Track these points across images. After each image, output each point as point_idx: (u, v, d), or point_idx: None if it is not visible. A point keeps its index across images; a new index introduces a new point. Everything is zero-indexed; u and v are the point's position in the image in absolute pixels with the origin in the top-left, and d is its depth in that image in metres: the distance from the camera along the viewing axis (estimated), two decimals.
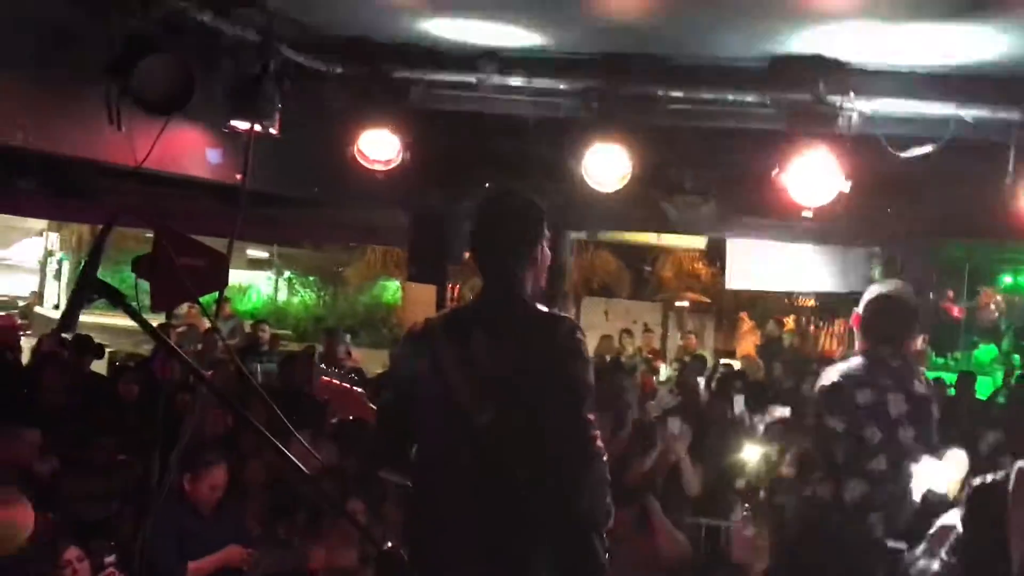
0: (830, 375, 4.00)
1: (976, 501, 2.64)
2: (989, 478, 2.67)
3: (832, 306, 17.77)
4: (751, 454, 7.71)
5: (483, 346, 3.01)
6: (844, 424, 3.88)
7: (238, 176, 5.66)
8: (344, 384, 3.67)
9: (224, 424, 6.63)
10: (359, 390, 3.65)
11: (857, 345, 4.09)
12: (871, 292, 4.09)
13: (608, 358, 12.38)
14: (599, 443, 2.96)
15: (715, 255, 17.76)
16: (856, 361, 4.01)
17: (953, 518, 2.93)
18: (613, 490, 3.14)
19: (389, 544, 2.34)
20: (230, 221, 5.73)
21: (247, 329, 14.03)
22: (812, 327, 19.48)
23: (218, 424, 6.59)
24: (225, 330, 11.62)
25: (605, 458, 2.99)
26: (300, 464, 2.38)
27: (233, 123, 5.43)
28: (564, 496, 2.91)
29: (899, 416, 3.92)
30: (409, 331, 3.26)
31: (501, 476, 2.92)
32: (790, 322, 18.53)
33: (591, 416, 2.94)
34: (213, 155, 5.92)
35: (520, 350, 2.98)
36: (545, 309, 3.09)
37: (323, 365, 7.81)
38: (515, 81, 5.90)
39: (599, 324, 17.74)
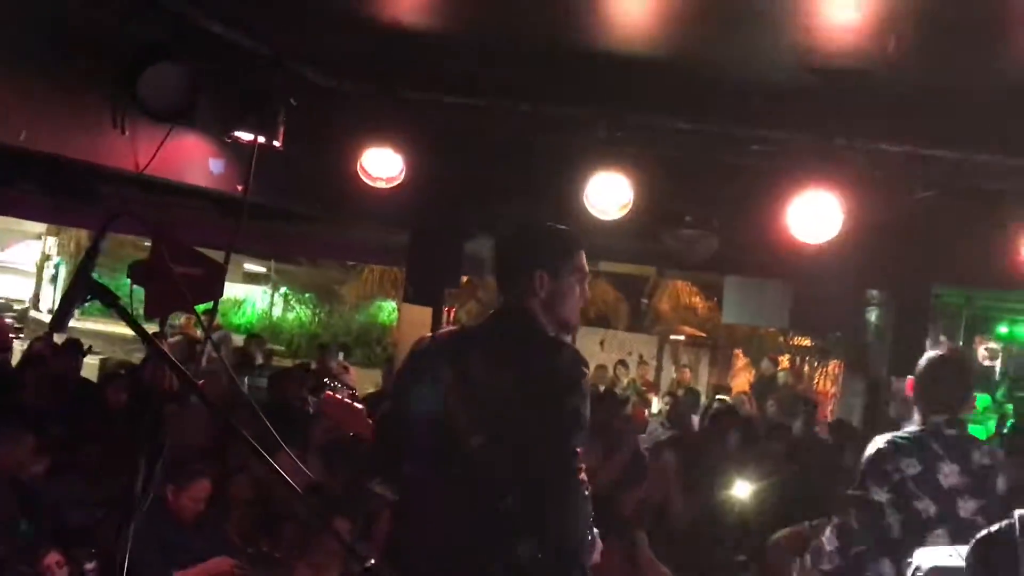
0: (875, 443, 3.82)
1: (983, 554, 2.51)
2: (994, 528, 2.54)
3: (827, 347, 17.75)
4: (742, 490, 7.69)
5: (483, 368, 3.00)
6: (890, 495, 3.69)
7: (239, 187, 5.65)
8: (347, 400, 3.66)
9: (211, 435, 6.58)
10: (361, 407, 3.63)
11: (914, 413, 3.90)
12: (926, 356, 3.87)
13: (602, 388, 12.36)
14: (583, 476, 2.95)
15: (712, 290, 17.75)
16: (908, 430, 3.83)
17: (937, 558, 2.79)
18: (602, 522, 3.13)
19: (371, 562, 2.32)
20: (229, 232, 5.72)
21: (240, 343, 13.99)
22: (807, 367, 19.46)
23: (204, 435, 6.55)
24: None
25: (588, 492, 2.99)
26: (287, 477, 2.36)
27: (237, 134, 5.42)
28: (545, 525, 2.89)
29: (953, 488, 3.70)
30: (415, 345, 3.27)
31: (486, 499, 2.90)
32: (785, 361, 18.51)
33: (579, 449, 2.93)
34: (215, 165, 5.91)
35: (518, 376, 2.96)
36: (552, 336, 3.07)
37: (327, 380, 7.77)
38: (522, 105, 5.90)
39: (595, 354, 17.72)
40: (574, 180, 5.91)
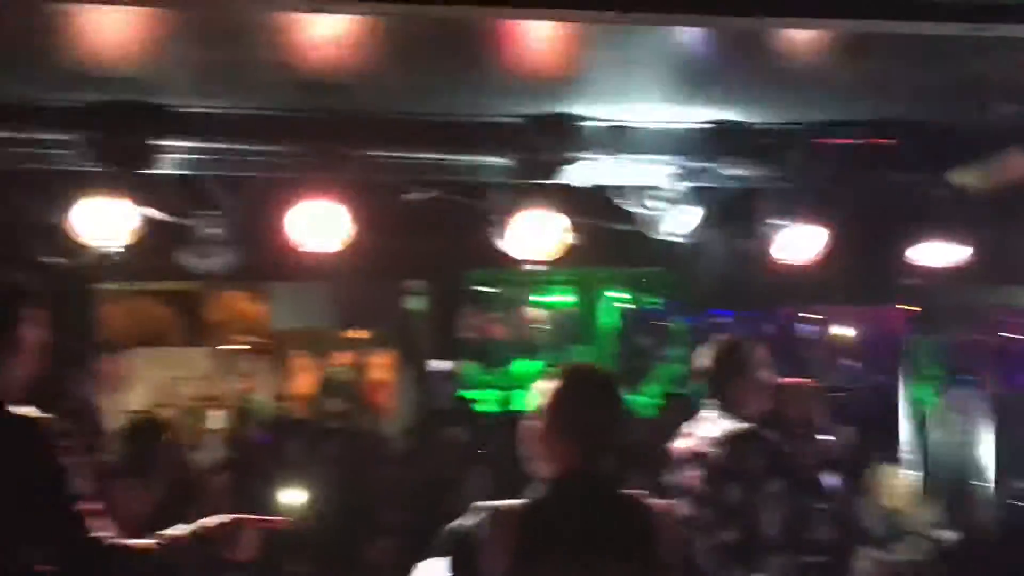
0: None
1: (453, 551, 2.68)
2: (459, 523, 2.72)
3: (382, 338, 18.34)
4: (297, 498, 7.79)
5: None
6: None
7: None
8: None
9: None
10: None
11: None
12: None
13: (150, 413, 11.83)
14: (100, 523, 2.89)
15: (266, 296, 17.59)
16: None
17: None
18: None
19: None
20: None
21: None
22: (366, 359, 19.98)
23: None
24: None
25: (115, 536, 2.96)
26: None
27: None
28: None
29: None
30: None
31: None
32: (345, 356, 18.86)
33: (77, 515, 2.86)
34: None
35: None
36: (19, 410, 2.88)
37: None
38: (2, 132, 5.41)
39: (151, 375, 16.80)
40: (66, 209, 5.54)
